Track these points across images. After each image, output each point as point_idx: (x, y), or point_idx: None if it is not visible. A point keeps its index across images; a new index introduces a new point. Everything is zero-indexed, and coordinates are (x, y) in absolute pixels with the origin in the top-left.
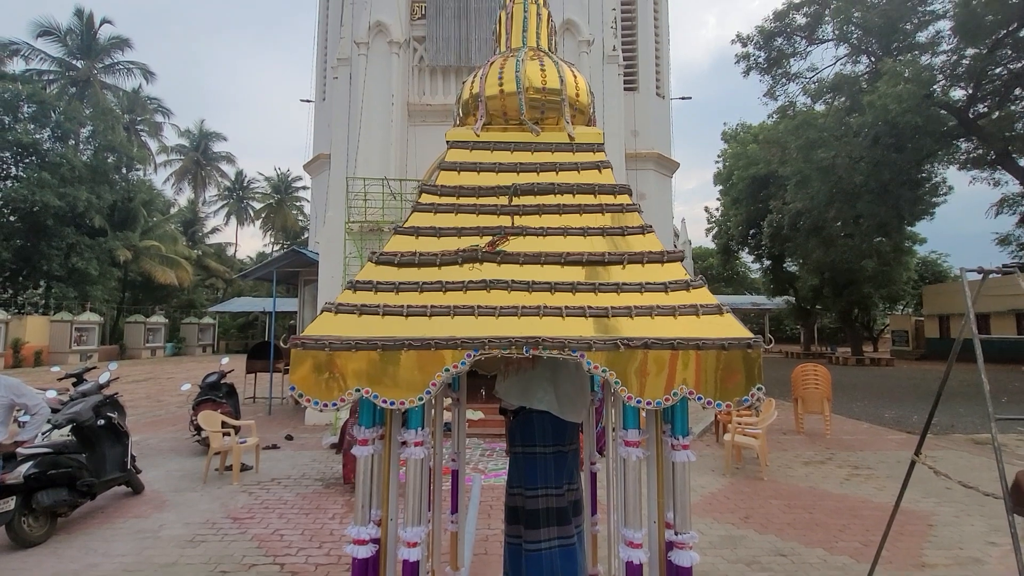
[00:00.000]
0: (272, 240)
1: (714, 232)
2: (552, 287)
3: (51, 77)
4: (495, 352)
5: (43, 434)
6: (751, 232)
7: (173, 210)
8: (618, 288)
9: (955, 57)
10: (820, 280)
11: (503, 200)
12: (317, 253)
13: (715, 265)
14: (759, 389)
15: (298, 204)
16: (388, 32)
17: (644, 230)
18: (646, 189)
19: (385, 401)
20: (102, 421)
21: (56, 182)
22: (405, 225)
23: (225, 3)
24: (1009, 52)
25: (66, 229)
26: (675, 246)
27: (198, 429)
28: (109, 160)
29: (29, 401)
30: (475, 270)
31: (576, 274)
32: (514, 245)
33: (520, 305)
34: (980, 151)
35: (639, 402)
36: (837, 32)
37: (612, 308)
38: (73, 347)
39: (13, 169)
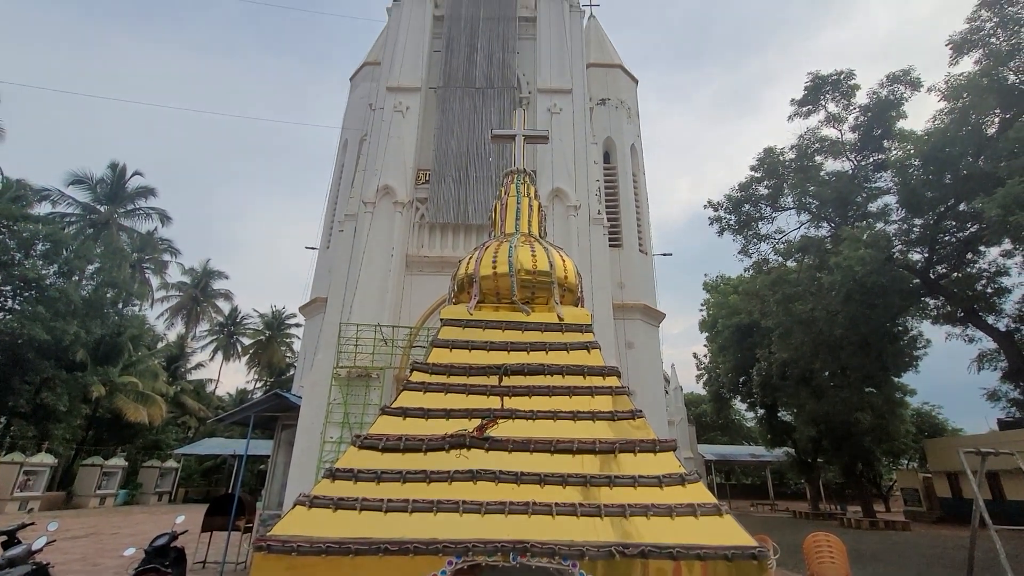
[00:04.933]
0: (256, 376)
1: (704, 379)
2: (541, 479)
3: (73, 219)
4: (479, 559)
5: None
6: (741, 380)
7: (160, 345)
8: (610, 481)
9: (906, 225)
10: (818, 431)
11: (493, 380)
12: (299, 397)
13: (709, 412)
14: None
15: (288, 340)
16: (394, 194)
17: (634, 415)
18: (634, 338)
19: None
20: None
21: (49, 315)
22: (393, 405)
23: (248, 158)
24: (953, 223)
25: (44, 363)
26: (666, 391)
27: None
28: (108, 295)
29: None
30: (462, 457)
31: (566, 464)
32: (503, 429)
33: (508, 500)
34: (948, 308)
35: None
36: (796, 202)
37: (604, 506)
38: (15, 493)
39: (9, 302)
